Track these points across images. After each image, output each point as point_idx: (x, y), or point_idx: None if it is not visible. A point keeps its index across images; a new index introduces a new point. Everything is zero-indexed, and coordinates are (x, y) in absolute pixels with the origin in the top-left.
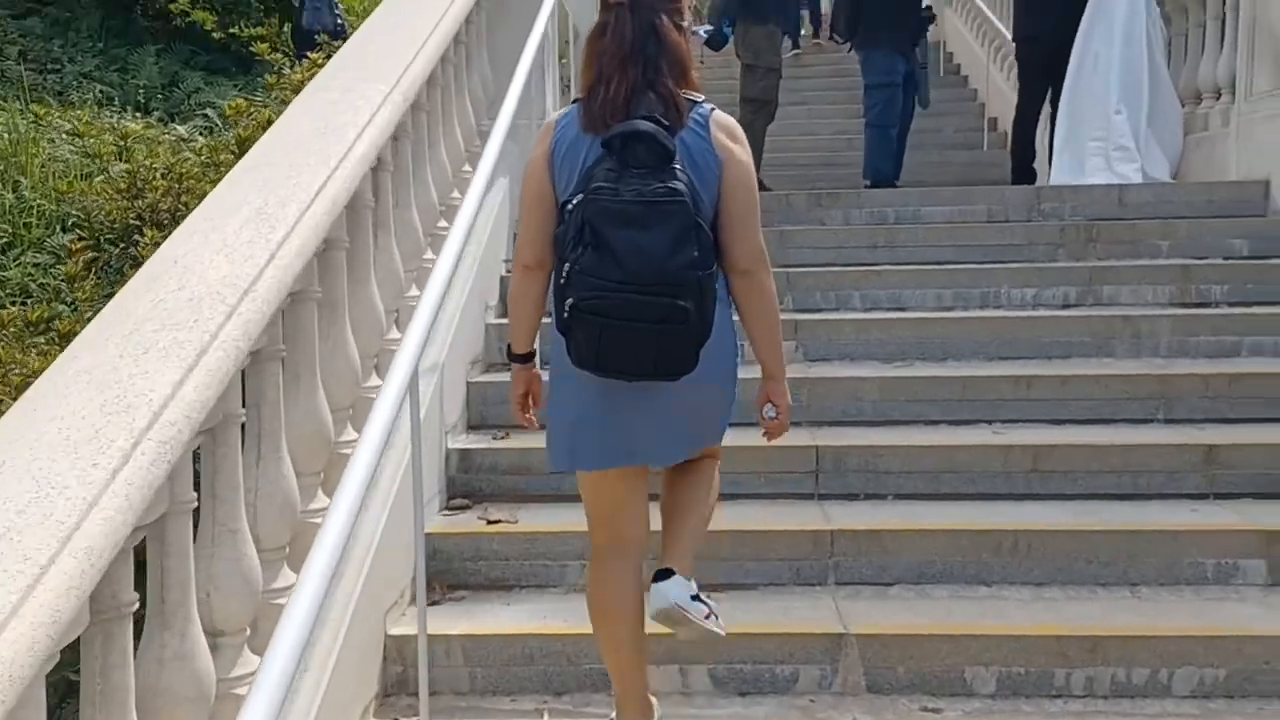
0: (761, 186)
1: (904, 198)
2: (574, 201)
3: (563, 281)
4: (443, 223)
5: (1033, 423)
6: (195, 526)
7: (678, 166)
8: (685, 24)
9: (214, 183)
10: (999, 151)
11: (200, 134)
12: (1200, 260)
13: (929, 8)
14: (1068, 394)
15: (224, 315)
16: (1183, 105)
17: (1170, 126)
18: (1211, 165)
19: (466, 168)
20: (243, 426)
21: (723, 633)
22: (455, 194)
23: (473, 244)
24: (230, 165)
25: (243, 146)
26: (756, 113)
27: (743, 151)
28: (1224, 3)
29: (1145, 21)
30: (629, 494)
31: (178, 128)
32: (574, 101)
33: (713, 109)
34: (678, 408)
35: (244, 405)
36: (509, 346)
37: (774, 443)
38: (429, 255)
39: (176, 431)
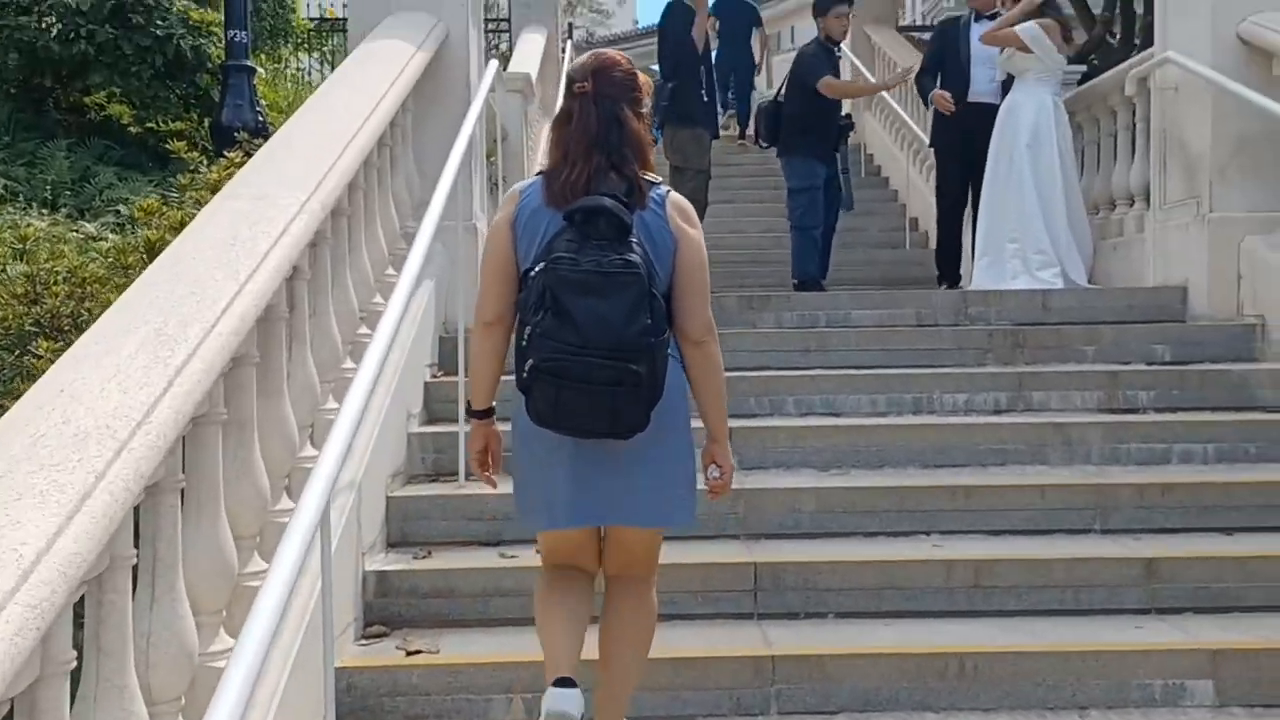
0: None
1: (834, 301)
2: (536, 269)
3: (524, 344)
4: (364, 329)
5: (972, 534)
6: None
7: (635, 240)
8: (644, 111)
9: (120, 288)
10: (922, 250)
11: (111, 231)
12: (1125, 366)
13: (848, 115)
14: (1005, 504)
15: (113, 452)
16: (1097, 211)
17: (1082, 230)
18: (1129, 270)
19: (390, 271)
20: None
21: None
22: (378, 299)
23: (396, 350)
24: (140, 268)
25: (152, 250)
26: None
27: (696, 232)
28: (1133, 113)
29: (1055, 127)
30: (587, 541)
31: (86, 225)
32: (538, 174)
33: (669, 190)
34: (639, 464)
35: (137, 543)
36: (469, 403)
37: (712, 560)
38: (349, 364)
39: (50, 592)
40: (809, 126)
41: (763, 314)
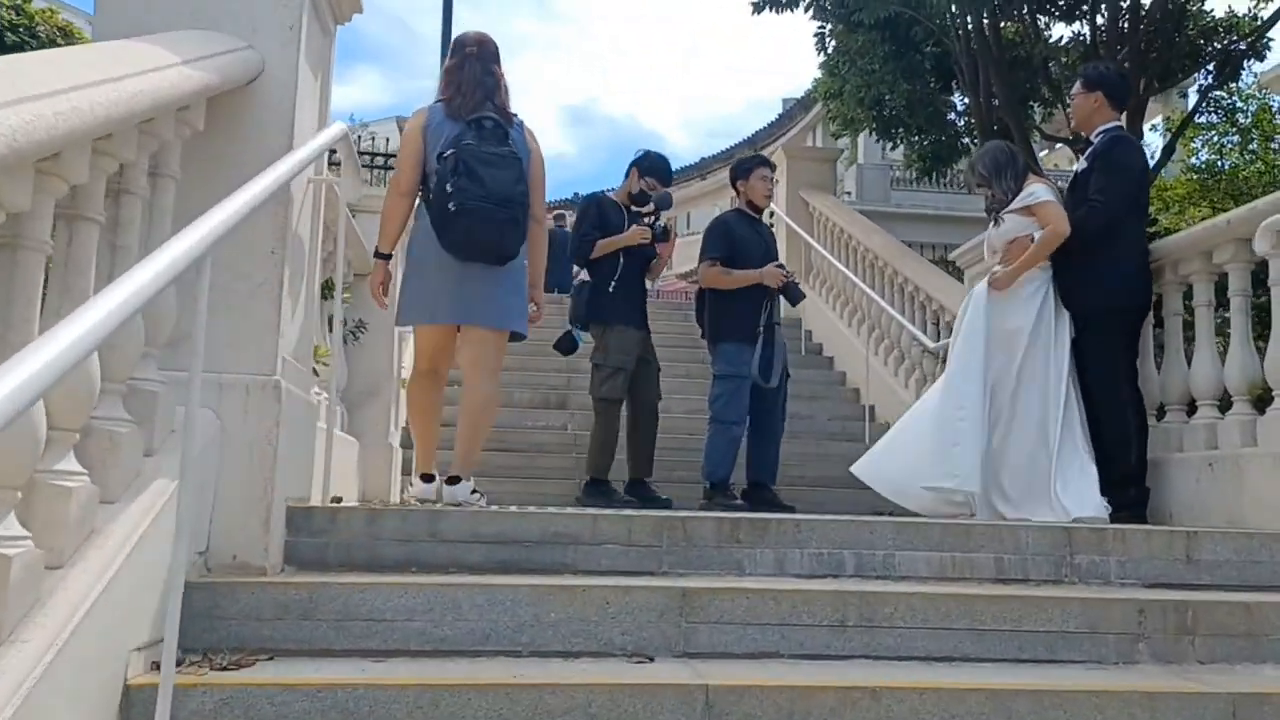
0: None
1: (866, 534)
2: (448, 153)
3: (446, 193)
4: None
5: None
6: None
7: (510, 139)
8: (500, 68)
9: None
10: None
11: None
12: None
13: (791, 274)
14: None
15: None
16: (1161, 413)
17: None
18: (1226, 498)
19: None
20: None
21: (485, 504)
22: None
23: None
24: None
25: None
26: (607, 410)
27: (538, 147)
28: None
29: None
30: (446, 341)
31: None
32: (436, 101)
33: (522, 121)
34: (494, 284)
35: None
36: (377, 249)
37: None
38: None
39: None
40: (730, 304)
41: (756, 551)
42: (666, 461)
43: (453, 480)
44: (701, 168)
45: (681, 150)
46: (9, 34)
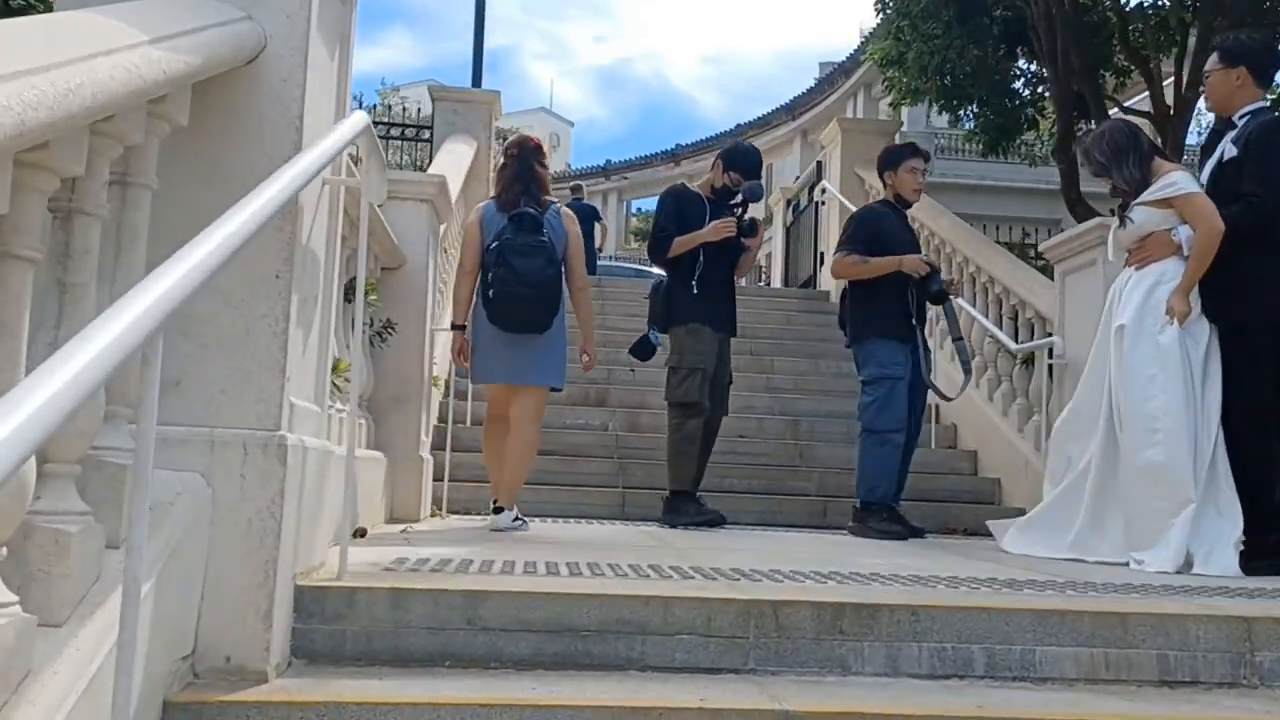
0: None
1: (988, 624)
2: (493, 244)
3: (488, 281)
4: None
5: None
6: None
7: (545, 229)
8: (546, 162)
9: None
10: (974, 480)
11: None
12: None
13: (948, 279)
14: None
15: None
16: None
17: None
18: None
19: None
20: None
21: (526, 530)
22: None
23: None
24: None
25: None
26: (683, 415)
27: (575, 227)
28: None
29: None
30: (507, 394)
31: None
32: (490, 199)
33: (560, 206)
34: (535, 349)
35: None
36: (452, 321)
37: None
38: None
39: None
40: (876, 298)
41: (863, 645)
42: (718, 465)
43: (498, 510)
44: (737, 134)
45: (715, 116)
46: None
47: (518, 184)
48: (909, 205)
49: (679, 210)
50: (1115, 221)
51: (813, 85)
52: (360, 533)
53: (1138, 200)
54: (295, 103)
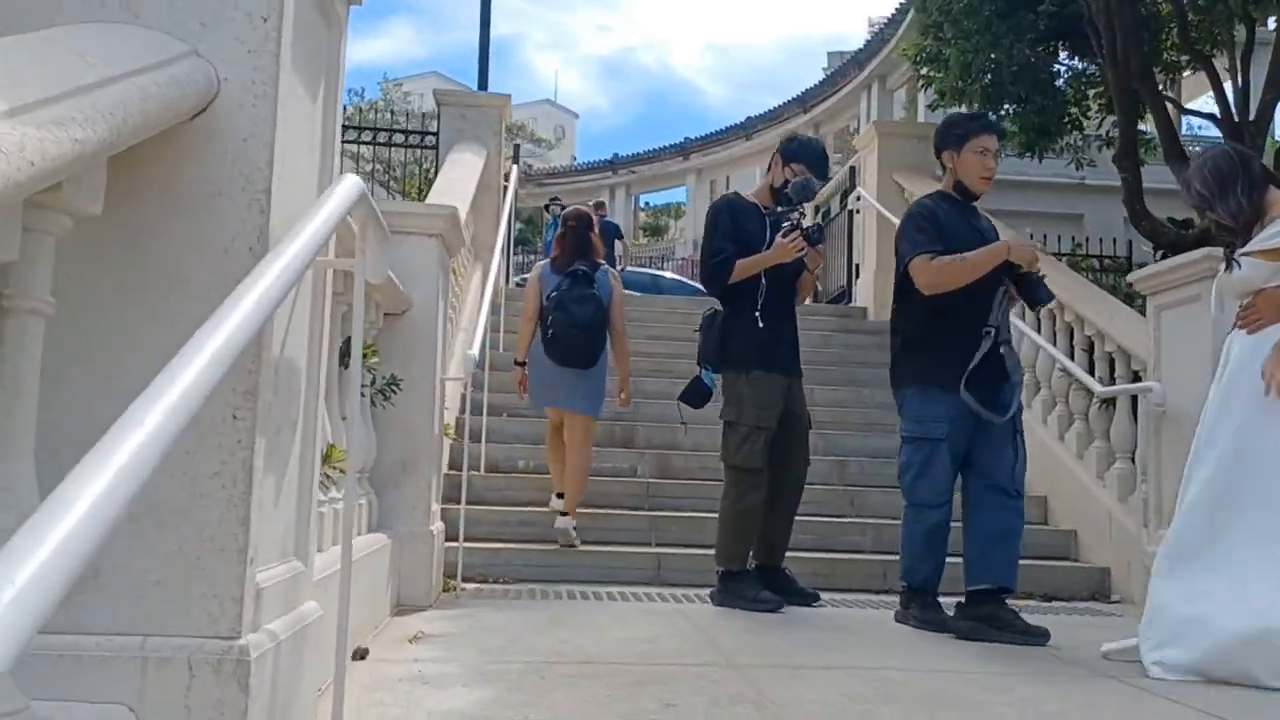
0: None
1: None
2: (552, 296)
3: (547, 324)
4: None
5: None
6: None
7: (594, 284)
8: (596, 230)
9: None
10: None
11: None
12: None
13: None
14: None
15: None
16: None
17: None
18: None
19: None
20: None
21: (578, 543)
22: None
23: None
24: None
25: None
26: (743, 481)
27: (618, 285)
28: None
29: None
30: (559, 414)
31: None
32: (548, 260)
33: (608, 268)
34: (584, 382)
35: None
36: (515, 359)
37: None
38: None
39: None
40: (923, 335)
41: None
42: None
43: (564, 514)
44: (747, 127)
45: (720, 105)
46: None
47: (574, 254)
48: (975, 198)
49: (735, 225)
50: (1222, 265)
51: (824, 77)
52: (361, 654)
53: (1243, 250)
54: (260, 172)
